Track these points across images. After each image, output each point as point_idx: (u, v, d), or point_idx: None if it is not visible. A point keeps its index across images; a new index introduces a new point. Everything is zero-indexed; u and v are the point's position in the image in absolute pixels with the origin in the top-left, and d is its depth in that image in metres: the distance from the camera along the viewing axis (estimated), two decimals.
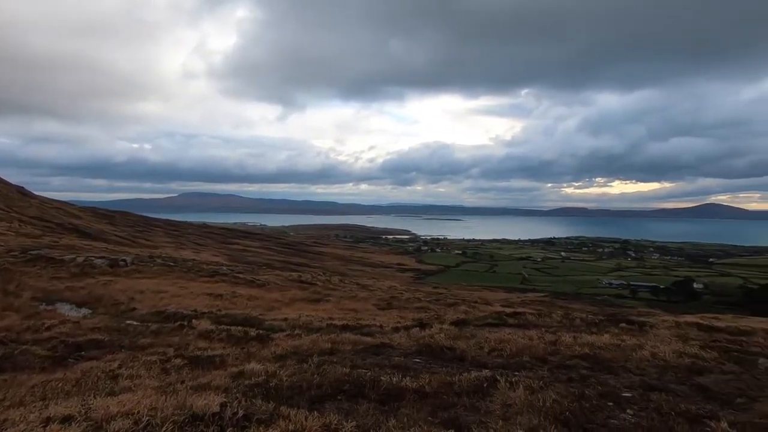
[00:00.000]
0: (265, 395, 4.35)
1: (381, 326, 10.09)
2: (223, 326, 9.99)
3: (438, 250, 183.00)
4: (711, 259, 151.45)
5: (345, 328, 9.96)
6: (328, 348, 6.81)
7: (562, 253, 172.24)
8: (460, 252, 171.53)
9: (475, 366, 5.72)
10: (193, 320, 10.48)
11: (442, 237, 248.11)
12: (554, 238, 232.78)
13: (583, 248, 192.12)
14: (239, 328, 9.89)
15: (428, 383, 4.63)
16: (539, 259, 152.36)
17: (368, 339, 7.60)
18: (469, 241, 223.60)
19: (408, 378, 4.80)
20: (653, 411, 3.97)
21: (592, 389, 4.55)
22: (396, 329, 9.43)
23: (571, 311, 14.25)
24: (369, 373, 4.91)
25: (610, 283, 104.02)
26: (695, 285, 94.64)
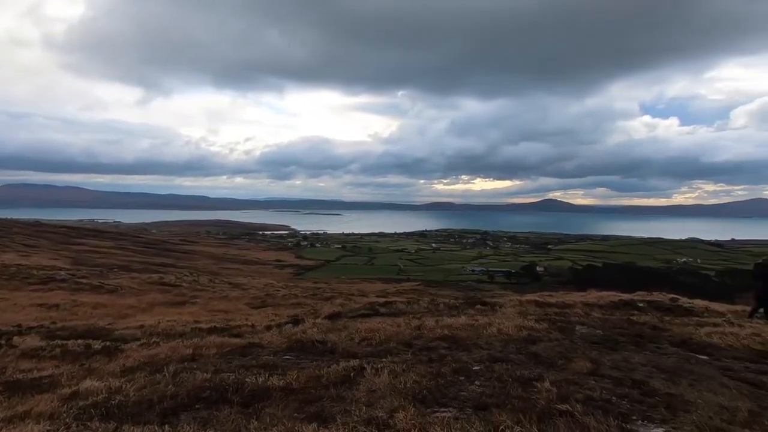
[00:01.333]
0: (105, 415, 3.80)
1: (252, 326, 9.67)
2: (57, 341, 8.48)
3: (318, 245, 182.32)
4: (549, 246, 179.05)
5: (212, 330, 9.29)
6: (189, 354, 6.25)
7: (433, 245, 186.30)
8: (339, 246, 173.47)
9: (346, 357, 5.82)
10: (15, 337, 8.69)
11: (322, 232, 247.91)
12: (426, 230, 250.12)
13: (451, 239, 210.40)
14: (80, 341, 8.51)
15: (296, 379, 4.57)
16: (413, 251, 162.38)
17: (236, 340, 7.19)
18: (348, 235, 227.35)
19: (275, 376, 4.67)
20: (495, 380, 4.52)
21: (447, 367, 4.99)
22: (268, 327, 9.12)
23: (438, 297, 15.49)
24: (233, 376, 4.64)
25: (473, 270, 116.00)
26: (538, 268, 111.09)
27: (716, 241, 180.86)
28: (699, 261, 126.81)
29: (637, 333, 7.21)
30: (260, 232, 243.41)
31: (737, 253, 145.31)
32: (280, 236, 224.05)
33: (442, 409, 3.81)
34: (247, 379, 4.52)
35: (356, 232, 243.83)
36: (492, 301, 11.32)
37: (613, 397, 4.05)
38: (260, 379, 4.53)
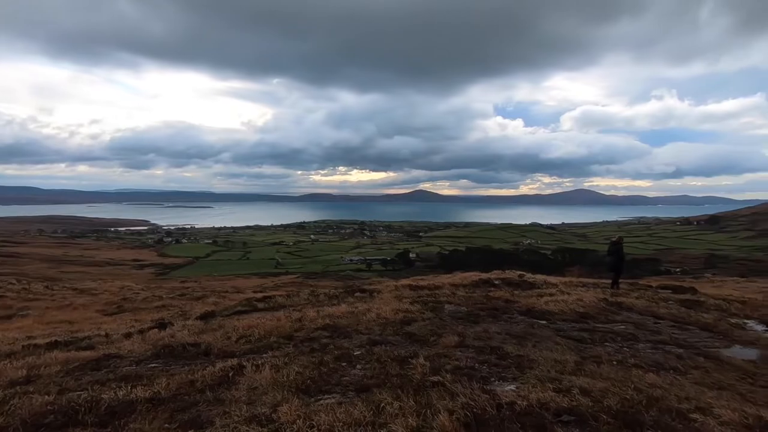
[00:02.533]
0: None
1: (107, 335, 8.46)
2: None
3: (185, 240, 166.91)
4: (420, 234, 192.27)
5: (53, 345, 7.87)
6: (22, 376, 5.22)
7: (312, 236, 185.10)
8: (210, 241, 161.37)
9: (223, 357, 5.51)
10: None
11: (190, 226, 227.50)
12: (304, 222, 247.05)
13: (329, 230, 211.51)
14: None
15: (165, 387, 4.17)
16: (291, 243, 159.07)
17: (87, 353, 6.23)
18: (220, 229, 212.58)
19: (140, 387, 4.20)
20: (376, 361, 4.76)
21: (330, 355, 5.08)
22: (128, 335, 8.09)
23: (318, 288, 15.49)
24: (85, 394, 4.04)
25: (351, 260, 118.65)
26: (411, 255, 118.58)
27: (551, 225, 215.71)
28: (539, 242, 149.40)
29: (494, 306, 8.26)
30: (112, 229, 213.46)
31: (566, 234, 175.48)
32: (138, 233, 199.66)
33: (326, 396, 3.89)
34: (103, 395, 3.97)
35: (229, 225, 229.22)
36: (370, 288, 11.77)
37: (476, 364, 4.62)
38: (121, 393, 4.03)
